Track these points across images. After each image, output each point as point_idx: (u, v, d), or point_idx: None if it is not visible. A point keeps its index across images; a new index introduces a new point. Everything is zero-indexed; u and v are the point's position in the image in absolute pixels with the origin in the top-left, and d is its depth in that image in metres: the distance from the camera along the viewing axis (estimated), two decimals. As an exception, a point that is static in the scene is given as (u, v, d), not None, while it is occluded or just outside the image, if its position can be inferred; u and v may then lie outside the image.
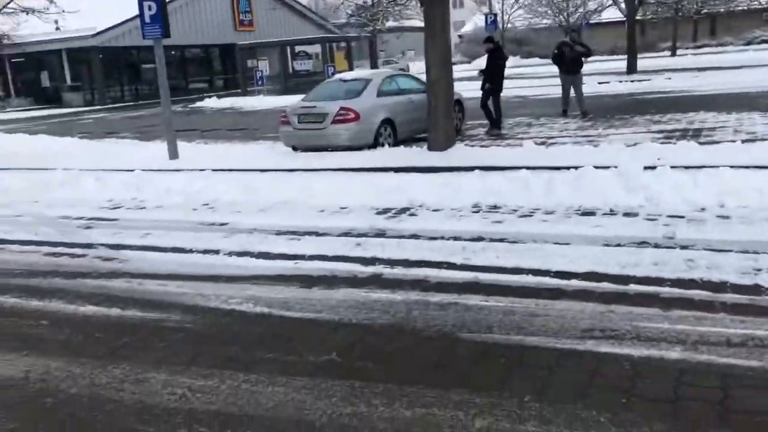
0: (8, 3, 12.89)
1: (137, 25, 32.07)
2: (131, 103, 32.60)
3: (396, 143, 10.94)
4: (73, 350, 4.12)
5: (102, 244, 6.63)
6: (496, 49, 11.99)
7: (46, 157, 12.57)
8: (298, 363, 3.71)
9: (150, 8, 10.51)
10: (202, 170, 9.76)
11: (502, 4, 34.86)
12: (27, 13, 13.39)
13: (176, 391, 3.49)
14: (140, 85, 35.43)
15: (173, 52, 34.66)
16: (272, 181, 8.87)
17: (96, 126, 20.93)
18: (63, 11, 13.05)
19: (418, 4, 12.30)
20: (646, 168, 7.26)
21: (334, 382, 3.46)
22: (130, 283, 5.35)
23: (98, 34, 30.14)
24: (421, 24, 33.53)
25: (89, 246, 6.62)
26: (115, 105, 31.89)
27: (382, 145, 10.65)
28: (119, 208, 8.36)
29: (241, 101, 26.09)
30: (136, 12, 31.44)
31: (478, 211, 6.77)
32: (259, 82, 27.75)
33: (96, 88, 33.24)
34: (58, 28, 14.45)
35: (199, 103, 26.73)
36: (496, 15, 28.51)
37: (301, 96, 20.92)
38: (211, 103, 26.42)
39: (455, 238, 5.90)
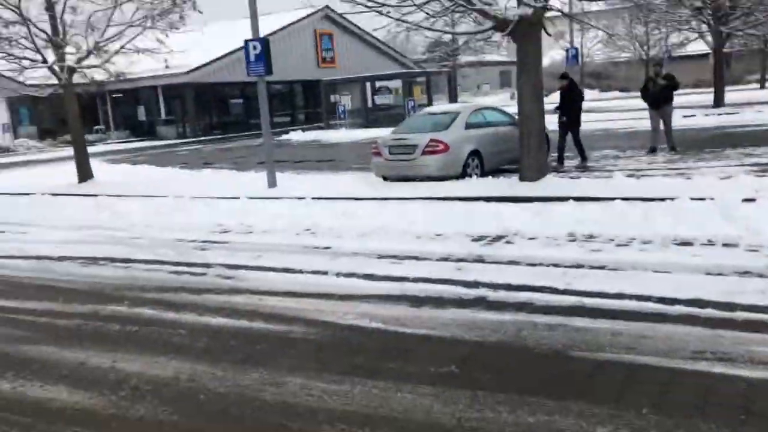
0: (126, 44, 14.07)
1: (227, 63, 34.04)
2: (220, 136, 34.22)
3: (483, 174, 11.22)
4: (213, 355, 4.57)
5: (219, 264, 7.17)
6: (571, 85, 12.13)
7: (153, 185, 13.51)
8: (420, 373, 4.02)
9: (255, 48, 11.29)
10: (301, 198, 10.31)
11: (582, 38, 34.82)
12: (139, 53, 14.56)
13: (313, 393, 3.85)
14: (228, 118, 37.23)
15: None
16: (368, 208, 9.31)
17: (192, 157, 22.19)
18: (171, 51, 14.14)
19: (504, 40, 12.63)
20: (744, 200, 7.27)
21: (457, 390, 3.75)
22: (252, 299, 5.82)
23: (191, 71, 31.92)
24: (500, 58, 33.80)
25: (207, 266, 7.18)
26: (205, 137, 33.57)
27: (470, 175, 10.96)
28: (228, 232, 8.95)
29: (325, 134, 27.03)
30: (225, 51, 33.03)
31: (574, 240, 6.95)
32: (342, 116, 28.67)
33: (188, 121, 35.13)
34: (167, 67, 15.50)
35: (284, 136, 27.83)
36: (577, 49, 28.56)
37: (382, 129, 21.64)
38: (296, 136, 27.47)
39: (554, 265, 6.12)
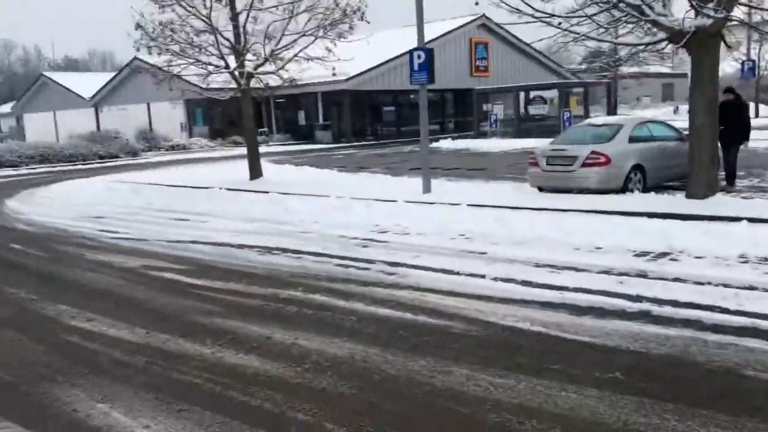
0: (299, 52, 15.14)
1: (382, 72, 35.25)
2: (372, 142, 35.47)
3: (645, 189, 10.87)
4: (383, 341, 4.93)
5: (381, 261, 7.60)
6: (738, 100, 11.33)
7: (315, 185, 14.40)
8: (584, 376, 4.12)
9: (419, 57, 11.72)
10: (456, 204, 10.58)
11: (759, 50, 32.19)
12: (309, 61, 15.58)
13: (480, 384, 4.08)
14: (380, 125, 38.54)
15: (411, 96, 37.16)
16: (523, 217, 9.38)
17: (347, 161, 23.25)
18: (339, 59, 15.01)
19: (676, 51, 12.13)
20: None
21: (623, 396, 3.81)
22: (414, 295, 6.15)
23: (350, 78, 33.37)
24: (664, 70, 31.88)
25: (370, 261, 7.63)
26: (358, 143, 34.96)
27: (631, 190, 10.67)
28: (386, 232, 9.40)
29: (475, 143, 27.17)
30: (382, 60, 34.24)
31: (746, 262, 6.63)
32: (493, 125, 28.68)
33: (343, 127, 36.77)
34: (334, 74, 16.47)
35: (434, 144, 28.24)
36: (754, 61, 26.46)
37: (534, 139, 21.41)
38: (446, 144, 27.84)
39: (724, 285, 5.89)
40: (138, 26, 14.96)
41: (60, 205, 14.59)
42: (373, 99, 38.18)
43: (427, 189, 12.25)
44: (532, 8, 9.31)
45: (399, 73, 35.42)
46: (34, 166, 28.16)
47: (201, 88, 17.51)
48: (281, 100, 38.85)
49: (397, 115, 39.50)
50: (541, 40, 10.84)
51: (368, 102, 38.18)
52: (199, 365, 4.65)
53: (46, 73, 54.57)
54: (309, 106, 38.98)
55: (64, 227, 11.45)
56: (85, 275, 7.74)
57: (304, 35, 15.28)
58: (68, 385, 4.41)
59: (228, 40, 15.31)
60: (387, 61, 35.06)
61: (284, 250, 8.51)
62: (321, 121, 38.00)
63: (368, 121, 38.96)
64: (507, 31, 38.53)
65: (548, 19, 9.31)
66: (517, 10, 9.67)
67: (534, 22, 9.59)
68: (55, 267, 8.32)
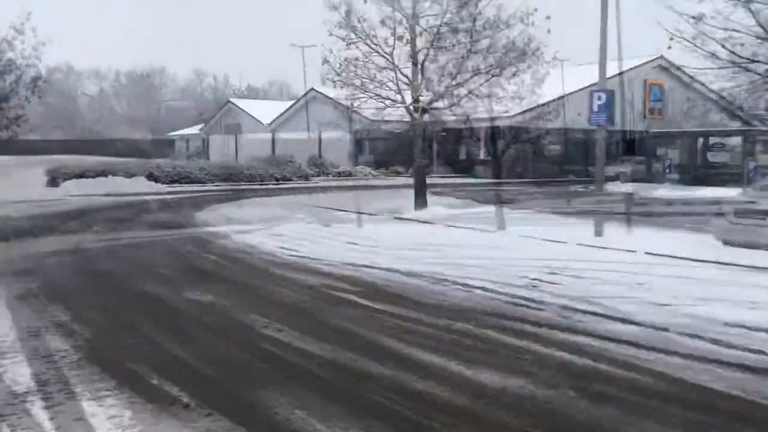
0: (474, 89, 15.48)
1: (547, 110, 34.65)
2: (531, 180, 34.94)
3: None
4: (564, 385, 4.85)
5: (553, 303, 7.50)
6: None
7: (479, 219, 14.49)
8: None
9: (600, 98, 11.54)
10: (631, 251, 10.19)
11: None
12: (482, 98, 15.85)
13: (673, 442, 3.92)
14: (542, 163, 37.91)
15: (578, 136, 36.28)
16: (708, 272, 8.86)
17: (508, 197, 23.12)
18: (514, 97, 15.15)
19: None
20: None
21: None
22: (592, 341, 5.99)
23: (515, 115, 33.26)
24: None
25: (542, 302, 7.54)
26: (517, 180, 34.62)
27: (835, 252, 9.68)
28: (557, 274, 9.20)
29: (646, 188, 25.91)
30: (548, 98, 33.54)
31: None
32: (667, 171, 27.22)
33: (503, 163, 36.63)
34: (506, 111, 16.63)
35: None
36: None
37: (711, 188, 20.02)
38: (614, 187, 26.78)
39: None
40: (325, 61, 16.07)
41: (244, 221, 15.85)
42: (536, 136, 37.71)
43: (599, 233, 11.92)
44: (732, 52, 8.86)
45: (564, 111, 34.78)
46: (218, 183, 30.82)
47: (377, 120, 18.36)
48: (443, 134, 39.51)
49: (561, 154, 38.68)
50: (738, 87, 10.21)
51: (530, 139, 37.75)
52: (383, 385, 4.87)
53: (233, 100, 59.78)
54: (470, 141, 39.28)
55: (249, 242, 12.44)
56: (274, 289, 8.38)
57: (479, 73, 15.57)
58: (267, 388, 4.81)
59: (406, 76, 15.97)
60: (553, 100, 34.56)
61: (453, 282, 8.64)
62: (482, 155, 38.15)
63: (530, 158, 38.49)
64: (684, 72, 36.54)
65: (749, 65, 8.80)
66: (712, 54, 9.25)
67: (731, 67, 9.10)
68: (245, 278, 9.09)
